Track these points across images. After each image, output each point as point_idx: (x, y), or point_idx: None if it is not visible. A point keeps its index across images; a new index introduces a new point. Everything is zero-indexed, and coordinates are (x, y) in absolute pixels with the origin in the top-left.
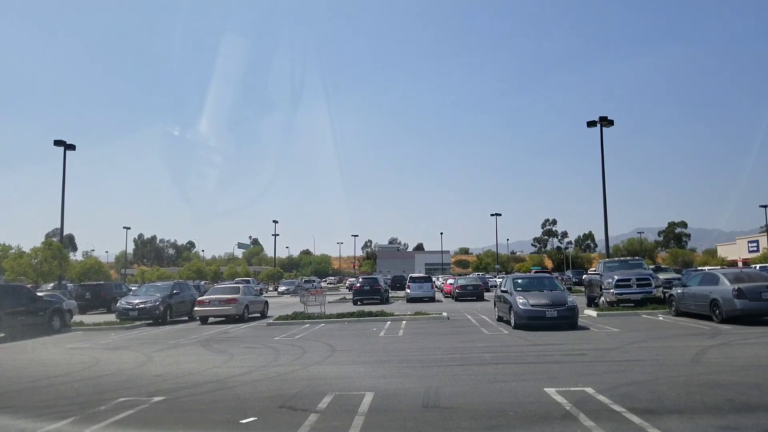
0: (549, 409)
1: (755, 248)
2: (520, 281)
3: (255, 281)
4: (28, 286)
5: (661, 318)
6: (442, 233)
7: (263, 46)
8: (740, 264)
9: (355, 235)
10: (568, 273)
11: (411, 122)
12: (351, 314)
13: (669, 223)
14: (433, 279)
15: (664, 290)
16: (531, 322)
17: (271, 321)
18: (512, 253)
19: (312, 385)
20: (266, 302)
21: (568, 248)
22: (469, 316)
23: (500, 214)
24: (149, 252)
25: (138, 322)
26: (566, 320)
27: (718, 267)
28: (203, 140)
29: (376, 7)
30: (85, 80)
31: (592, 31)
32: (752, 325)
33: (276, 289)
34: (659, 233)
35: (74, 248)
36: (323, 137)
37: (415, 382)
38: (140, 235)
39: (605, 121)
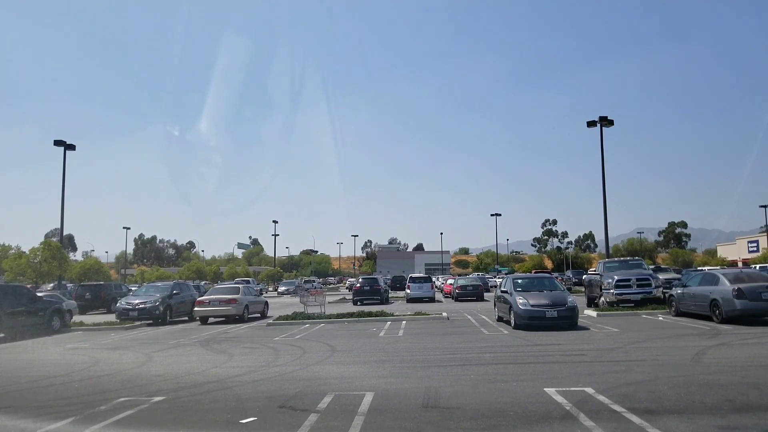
0: (549, 409)
1: (755, 248)
2: (520, 281)
3: (255, 281)
4: (28, 286)
5: (660, 318)
6: (442, 233)
7: (263, 47)
8: (740, 264)
9: (355, 235)
10: (568, 273)
11: (411, 122)
12: (351, 314)
13: (669, 223)
14: (433, 279)
15: (664, 290)
16: (531, 322)
17: (271, 321)
18: (512, 253)
19: (312, 385)
20: (266, 302)
21: (568, 248)
22: (469, 317)
23: (500, 214)
24: (149, 252)
25: (138, 323)
26: (566, 320)
27: (718, 267)
28: (203, 140)
29: (376, 8)
30: (85, 80)
31: (591, 31)
32: (752, 325)
33: (276, 290)
34: (659, 233)
35: (74, 248)
36: (323, 137)
37: (415, 382)
38: (140, 235)
39: (605, 121)
